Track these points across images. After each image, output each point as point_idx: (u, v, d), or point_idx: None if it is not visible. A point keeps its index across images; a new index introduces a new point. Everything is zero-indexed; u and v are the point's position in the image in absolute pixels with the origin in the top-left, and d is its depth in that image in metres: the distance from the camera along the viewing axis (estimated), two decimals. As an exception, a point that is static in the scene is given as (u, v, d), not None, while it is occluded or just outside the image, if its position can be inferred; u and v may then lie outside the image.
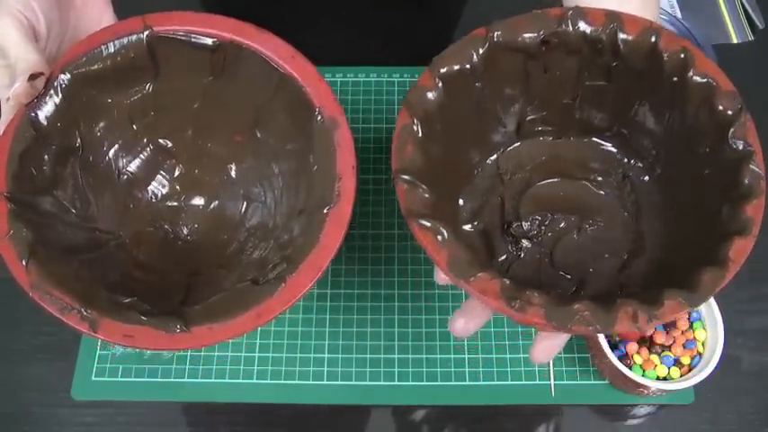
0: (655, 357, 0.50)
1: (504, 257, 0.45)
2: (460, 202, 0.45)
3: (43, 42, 0.40)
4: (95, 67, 0.40)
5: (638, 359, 0.50)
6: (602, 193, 0.45)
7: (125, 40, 0.40)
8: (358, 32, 0.70)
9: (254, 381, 0.54)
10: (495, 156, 0.47)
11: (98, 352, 0.55)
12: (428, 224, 0.36)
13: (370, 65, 0.66)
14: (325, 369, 0.54)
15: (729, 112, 0.38)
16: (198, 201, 0.47)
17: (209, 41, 0.41)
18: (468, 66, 0.41)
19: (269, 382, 0.54)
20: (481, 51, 0.41)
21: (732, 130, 0.38)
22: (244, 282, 0.39)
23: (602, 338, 0.50)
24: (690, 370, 0.50)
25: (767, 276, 0.58)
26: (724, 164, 0.38)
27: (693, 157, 0.41)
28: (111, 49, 0.40)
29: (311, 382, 0.54)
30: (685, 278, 0.36)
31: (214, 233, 0.46)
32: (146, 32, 0.40)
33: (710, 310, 0.51)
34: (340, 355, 0.55)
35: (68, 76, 0.40)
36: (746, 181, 0.37)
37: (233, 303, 0.37)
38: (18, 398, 0.54)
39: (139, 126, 0.44)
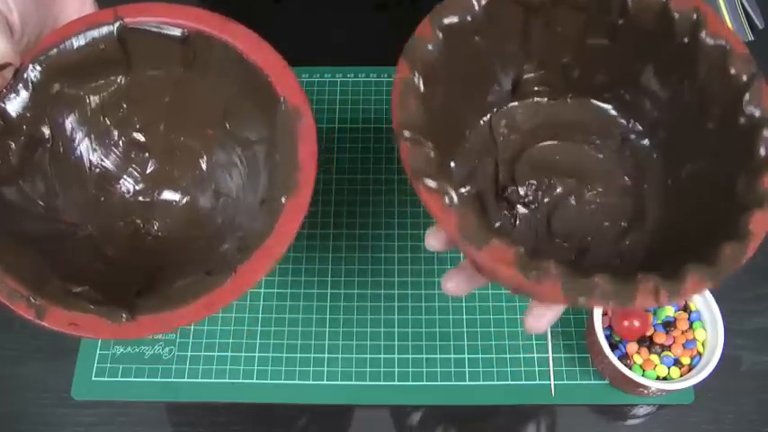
0: (655, 357, 0.50)
1: (498, 224, 0.42)
2: (452, 164, 0.43)
3: (18, 34, 0.39)
4: (66, 58, 0.40)
5: (638, 359, 0.50)
6: (602, 156, 0.43)
7: (96, 32, 0.40)
8: (358, 33, 0.70)
9: (254, 381, 0.54)
10: (488, 116, 0.44)
11: (98, 352, 0.55)
12: (435, 185, 0.34)
13: (370, 65, 0.66)
14: (325, 369, 0.54)
15: (744, 78, 0.36)
16: (170, 196, 0.46)
17: (178, 32, 0.41)
18: (468, 17, 0.38)
19: (269, 382, 0.54)
20: (483, 2, 0.38)
21: (746, 96, 0.36)
22: (201, 273, 0.39)
23: (602, 338, 0.50)
24: (690, 370, 0.50)
25: (767, 276, 0.58)
26: (736, 132, 0.37)
27: (702, 124, 0.39)
28: (82, 41, 0.40)
29: (311, 382, 0.54)
30: (700, 252, 0.34)
31: (185, 229, 0.46)
32: (116, 23, 0.40)
33: (710, 310, 0.51)
34: (340, 355, 0.55)
35: (39, 67, 0.40)
36: (762, 151, 0.35)
37: (183, 294, 0.37)
38: (18, 398, 0.54)
39: (112, 119, 0.44)
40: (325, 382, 0.54)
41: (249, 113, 0.43)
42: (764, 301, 0.57)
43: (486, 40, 0.40)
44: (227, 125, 0.45)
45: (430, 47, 0.38)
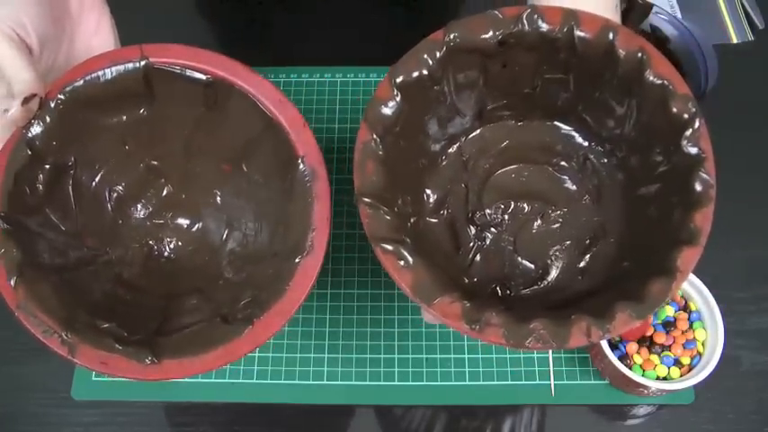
0: (655, 357, 0.50)
1: (469, 247, 0.45)
2: (427, 191, 0.46)
3: (37, 56, 0.40)
4: (92, 90, 0.41)
5: (638, 359, 0.50)
6: (565, 177, 0.46)
7: (122, 68, 0.41)
8: (358, 33, 0.70)
9: (254, 381, 0.54)
10: (458, 144, 0.47)
11: (98, 352, 0.55)
12: (391, 248, 0.37)
13: (370, 65, 0.66)
14: (325, 369, 0.54)
15: (684, 116, 0.38)
16: (183, 221, 0.48)
17: (202, 77, 0.42)
18: (425, 72, 0.41)
19: (269, 382, 0.54)
20: (438, 55, 0.41)
21: (686, 134, 0.38)
22: (216, 317, 0.41)
23: (602, 338, 0.50)
24: (690, 370, 0.50)
25: (767, 276, 0.58)
26: (678, 166, 0.39)
27: (651, 152, 0.41)
28: (108, 76, 0.41)
29: (311, 382, 0.54)
30: (634, 283, 0.37)
31: (196, 253, 0.47)
32: (142, 62, 0.41)
33: (710, 310, 0.51)
34: (340, 355, 0.55)
35: (65, 97, 0.40)
36: (697, 188, 0.37)
37: (203, 340, 0.39)
38: (18, 398, 0.54)
39: (132, 146, 0.45)
40: (325, 382, 0.54)
41: (266, 162, 0.44)
42: (764, 301, 0.57)
43: (446, 85, 0.43)
44: (245, 167, 0.46)
45: (388, 108, 0.40)
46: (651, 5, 0.60)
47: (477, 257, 0.45)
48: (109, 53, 0.42)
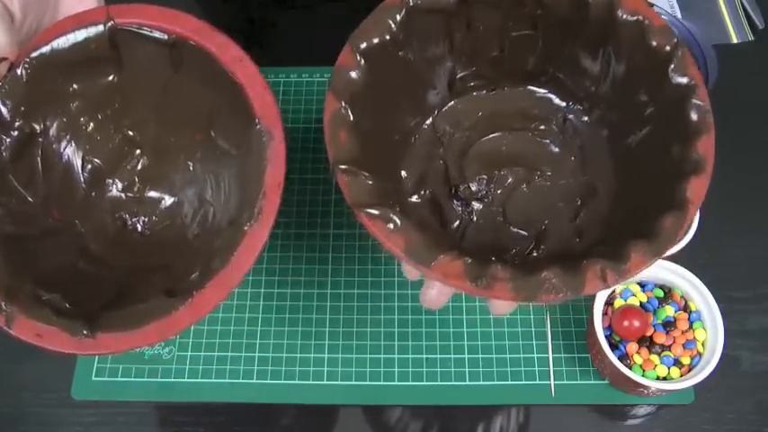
0: (655, 357, 0.50)
1: (457, 224, 0.43)
2: (403, 173, 0.44)
3: (18, 23, 0.39)
4: (60, 55, 0.40)
5: (638, 359, 0.50)
6: (546, 141, 0.44)
7: (87, 31, 0.40)
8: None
9: (254, 381, 0.54)
10: (430, 119, 0.45)
11: (98, 352, 0.55)
12: (377, 213, 0.35)
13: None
14: (325, 369, 0.54)
15: (666, 48, 0.37)
16: (157, 194, 0.46)
17: (165, 37, 0.41)
18: (387, 36, 0.39)
19: (269, 382, 0.54)
20: (399, 18, 0.39)
21: (671, 66, 0.37)
22: (165, 291, 0.39)
23: (602, 338, 0.50)
24: (690, 370, 0.50)
25: (767, 276, 0.58)
26: (667, 101, 0.38)
27: (634, 96, 0.40)
28: (74, 40, 0.40)
29: (311, 382, 0.54)
30: (644, 224, 0.35)
31: (168, 229, 0.46)
32: (108, 24, 0.40)
33: (710, 310, 0.51)
34: (340, 355, 0.55)
35: (32, 63, 0.40)
36: (693, 117, 0.36)
37: (143, 314, 0.37)
38: (18, 398, 0.54)
39: (104, 115, 0.44)
40: (325, 382, 0.54)
41: (229, 126, 0.43)
42: (764, 301, 0.57)
43: (411, 52, 0.41)
44: (212, 133, 0.45)
45: (353, 74, 0.39)
46: (651, 5, 0.60)
47: (468, 232, 0.43)
48: (75, 15, 0.41)
